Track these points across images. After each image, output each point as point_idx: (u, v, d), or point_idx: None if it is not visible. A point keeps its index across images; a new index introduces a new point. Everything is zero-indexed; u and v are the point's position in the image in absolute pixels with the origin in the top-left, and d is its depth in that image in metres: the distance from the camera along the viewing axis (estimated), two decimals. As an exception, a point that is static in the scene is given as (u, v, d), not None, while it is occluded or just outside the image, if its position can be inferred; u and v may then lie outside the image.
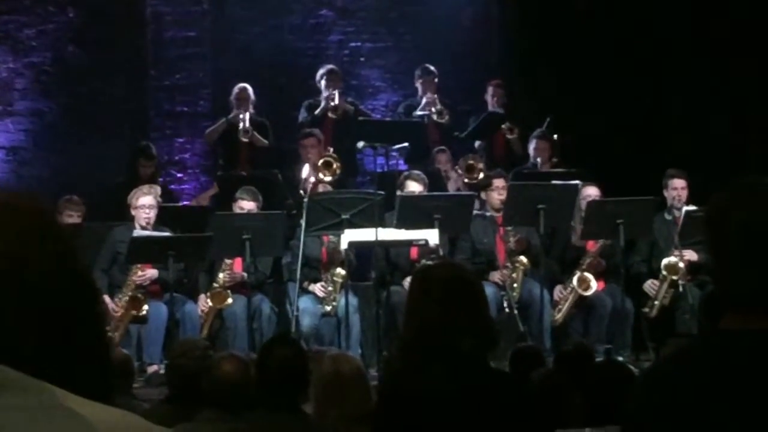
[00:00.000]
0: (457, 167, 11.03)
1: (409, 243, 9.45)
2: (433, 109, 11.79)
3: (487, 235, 9.93)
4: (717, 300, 2.06)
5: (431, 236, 9.19)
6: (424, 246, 9.37)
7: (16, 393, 1.21)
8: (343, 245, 9.30)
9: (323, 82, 11.73)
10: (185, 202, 11.69)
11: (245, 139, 11.30)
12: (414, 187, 9.84)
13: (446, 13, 12.93)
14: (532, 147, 11.35)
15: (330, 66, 11.94)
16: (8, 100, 12.42)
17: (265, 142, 11.42)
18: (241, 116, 11.31)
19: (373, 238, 9.02)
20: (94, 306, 1.33)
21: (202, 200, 11.53)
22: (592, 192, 9.93)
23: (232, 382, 4.61)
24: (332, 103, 11.57)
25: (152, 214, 9.52)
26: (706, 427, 1.94)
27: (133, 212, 9.55)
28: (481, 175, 10.76)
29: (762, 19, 11.47)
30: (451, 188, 10.89)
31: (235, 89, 11.50)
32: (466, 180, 10.84)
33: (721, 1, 11.83)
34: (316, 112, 11.63)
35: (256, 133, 11.33)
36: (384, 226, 9.18)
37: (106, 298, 9.36)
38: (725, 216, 2.05)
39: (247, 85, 11.51)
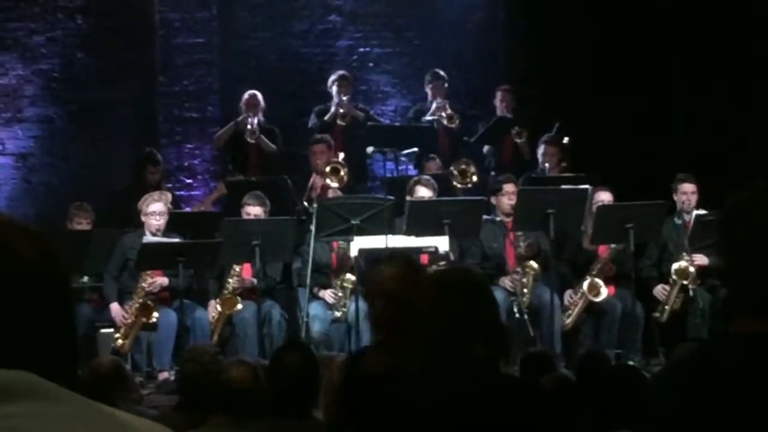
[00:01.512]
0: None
1: (418, 250, 9.43)
2: (443, 114, 11.75)
3: (496, 240, 9.90)
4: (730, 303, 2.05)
5: (441, 243, 9.16)
6: (434, 253, 9.34)
7: (54, 401, 1.21)
8: (353, 253, 9.28)
9: (334, 88, 11.73)
10: (188, 208, 11.65)
11: (252, 140, 11.28)
12: (423, 192, 9.81)
13: (454, 18, 12.93)
14: (540, 152, 11.29)
15: (341, 72, 11.95)
16: (17, 106, 12.44)
17: (273, 147, 11.41)
18: (249, 120, 11.31)
19: (382, 246, 8.99)
20: (70, 309, 1.33)
21: (208, 203, 11.52)
22: (605, 197, 9.88)
23: (242, 388, 4.60)
24: (341, 111, 11.57)
25: (162, 221, 9.50)
26: (718, 430, 1.93)
27: (143, 218, 9.52)
28: (474, 179, 10.73)
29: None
30: None
31: (245, 95, 11.50)
32: (459, 186, 10.81)
33: (729, 1, 11.81)
34: (326, 117, 11.63)
35: (263, 137, 11.32)
36: (394, 231, 9.16)
37: (116, 305, 9.38)
38: (740, 218, 2.03)
39: (257, 92, 11.52)
